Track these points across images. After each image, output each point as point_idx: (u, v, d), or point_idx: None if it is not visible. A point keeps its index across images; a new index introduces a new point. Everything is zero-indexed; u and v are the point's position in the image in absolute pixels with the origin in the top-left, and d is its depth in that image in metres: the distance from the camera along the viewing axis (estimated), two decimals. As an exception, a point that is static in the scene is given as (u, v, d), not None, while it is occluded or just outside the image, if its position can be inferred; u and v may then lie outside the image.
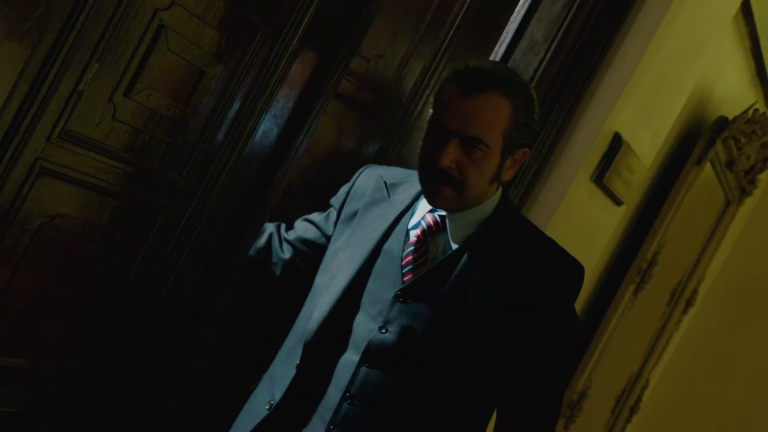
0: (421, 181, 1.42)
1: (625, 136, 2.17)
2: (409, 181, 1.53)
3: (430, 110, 1.43)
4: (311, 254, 1.62)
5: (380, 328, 1.41)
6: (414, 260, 1.44)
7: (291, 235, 1.67)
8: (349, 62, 1.62)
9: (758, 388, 4.12)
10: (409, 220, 1.48)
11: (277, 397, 1.44)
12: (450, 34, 2.03)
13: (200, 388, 1.82)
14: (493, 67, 1.44)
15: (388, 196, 1.53)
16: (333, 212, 1.61)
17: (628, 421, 3.86)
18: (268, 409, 1.45)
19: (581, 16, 2.11)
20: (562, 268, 1.43)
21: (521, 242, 1.44)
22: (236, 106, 1.42)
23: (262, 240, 1.66)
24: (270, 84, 1.45)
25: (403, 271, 1.43)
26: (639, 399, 3.83)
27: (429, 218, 1.45)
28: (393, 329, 1.40)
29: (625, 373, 3.49)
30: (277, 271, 1.66)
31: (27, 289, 1.25)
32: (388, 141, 2.07)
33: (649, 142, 2.43)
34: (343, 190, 1.61)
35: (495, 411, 1.46)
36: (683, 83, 2.58)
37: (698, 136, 2.86)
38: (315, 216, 1.65)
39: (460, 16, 2.04)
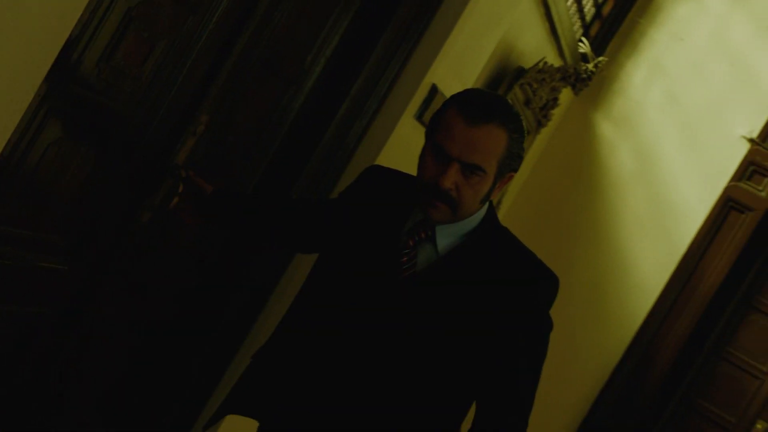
0: (420, 194, 1.56)
1: (440, 86, 2.91)
2: (407, 185, 1.65)
3: (427, 130, 1.59)
4: (304, 217, 1.85)
5: (371, 319, 1.57)
6: (406, 263, 1.57)
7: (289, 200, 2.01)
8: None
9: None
10: (405, 223, 1.61)
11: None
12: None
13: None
14: (493, 98, 1.56)
15: (389, 197, 1.66)
16: (338, 203, 1.77)
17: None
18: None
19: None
20: (541, 279, 1.57)
21: (503, 253, 1.59)
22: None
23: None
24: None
25: (398, 271, 1.57)
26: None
27: (420, 226, 1.59)
28: (383, 322, 1.56)
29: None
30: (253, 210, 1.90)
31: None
32: None
33: (459, 89, 3.19)
34: (350, 186, 1.77)
35: (472, 403, 1.62)
36: (489, 42, 3.32)
37: (501, 82, 3.66)
38: (321, 199, 1.91)
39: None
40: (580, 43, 4.46)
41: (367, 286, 1.59)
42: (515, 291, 1.54)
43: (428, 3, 2.83)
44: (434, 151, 1.52)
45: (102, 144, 1.95)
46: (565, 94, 4.47)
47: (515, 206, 4.92)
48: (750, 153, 4.66)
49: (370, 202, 1.68)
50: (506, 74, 3.64)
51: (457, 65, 3.07)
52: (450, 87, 3.04)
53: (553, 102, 4.12)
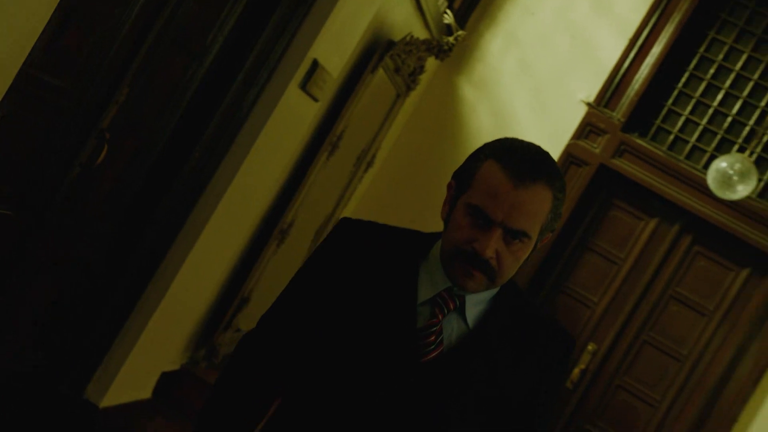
0: (450, 261, 1.36)
1: (320, 60, 3.43)
2: (402, 242, 1.47)
3: (457, 181, 1.40)
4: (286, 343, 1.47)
5: (388, 414, 1.36)
6: (434, 341, 1.37)
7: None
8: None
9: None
10: (416, 293, 1.40)
11: None
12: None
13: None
14: (538, 153, 1.37)
15: (383, 260, 1.43)
16: (316, 286, 1.46)
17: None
18: None
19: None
20: (563, 342, 1.48)
21: (526, 317, 1.46)
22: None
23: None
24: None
25: (419, 353, 1.37)
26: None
27: (446, 296, 1.40)
28: (404, 415, 1.36)
29: (323, 213, 4.92)
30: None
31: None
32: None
33: (337, 61, 3.72)
34: (326, 252, 1.48)
35: None
36: (363, 19, 3.85)
37: (374, 53, 4.21)
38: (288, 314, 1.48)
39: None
40: (445, 15, 5.04)
41: (384, 374, 1.37)
42: (546, 357, 1.45)
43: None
44: (473, 213, 1.33)
45: (45, 112, 2.38)
46: (431, 62, 5.07)
47: (387, 164, 5.51)
48: (587, 115, 5.41)
49: (362, 269, 1.43)
50: (378, 47, 4.18)
51: (336, 40, 3.59)
52: (330, 60, 3.56)
53: (420, 69, 4.71)
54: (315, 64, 3.37)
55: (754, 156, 4.74)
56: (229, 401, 1.46)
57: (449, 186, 1.44)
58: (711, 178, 4.32)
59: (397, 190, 5.65)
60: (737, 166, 4.15)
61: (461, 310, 1.40)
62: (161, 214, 3.16)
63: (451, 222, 1.38)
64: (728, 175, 4.15)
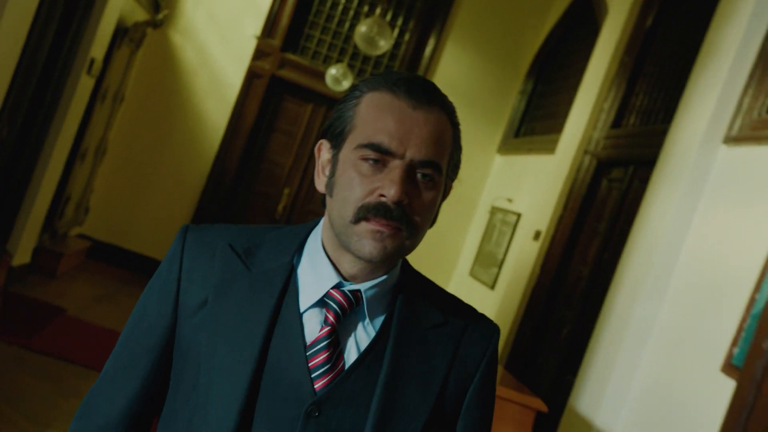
0: (351, 231, 1.04)
1: (95, 55, 6.10)
2: (266, 242, 1.14)
3: (333, 131, 1.10)
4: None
5: None
6: (329, 358, 1.06)
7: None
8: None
9: (178, 161, 8.57)
10: (297, 301, 1.09)
11: None
12: None
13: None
14: (425, 80, 1.09)
15: (247, 268, 1.10)
16: (159, 326, 1.12)
17: (97, 165, 7.98)
18: None
19: None
20: (488, 331, 1.19)
21: (438, 308, 1.16)
22: None
23: None
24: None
25: (313, 375, 1.05)
26: (105, 151, 7.97)
27: (338, 296, 1.08)
28: None
29: (98, 136, 7.58)
30: None
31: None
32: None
33: (101, 50, 6.37)
34: (169, 273, 1.13)
35: None
36: (112, 24, 6.49)
37: (117, 37, 6.87)
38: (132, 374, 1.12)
39: None
40: (152, -8, 7.69)
41: (271, 407, 1.05)
42: (473, 348, 1.16)
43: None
44: (363, 155, 1.03)
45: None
46: (150, 31, 7.78)
47: (132, 96, 8.19)
48: (258, 44, 8.42)
49: (223, 282, 1.09)
50: (119, 32, 6.85)
51: (102, 41, 6.23)
52: (98, 53, 6.24)
53: (143, 36, 7.42)
54: (93, 60, 6.06)
55: (346, 63, 8.09)
56: None
57: (318, 149, 1.12)
58: (329, 76, 7.54)
59: (138, 115, 8.36)
60: (340, 70, 7.40)
61: (360, 311, 1.09)
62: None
63: (338, 184, 1.06)
64: (336, 76, 7.40)
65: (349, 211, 1.05)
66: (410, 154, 1.03)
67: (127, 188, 8.16)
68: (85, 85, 6.06)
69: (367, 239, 1.04)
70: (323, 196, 1.13)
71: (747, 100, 4.04)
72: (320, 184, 1.14)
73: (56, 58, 5.80)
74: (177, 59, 8.27)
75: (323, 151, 1.14)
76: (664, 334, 4.03)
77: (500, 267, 7.03)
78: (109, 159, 8.09)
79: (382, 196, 1.03)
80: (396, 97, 1.05)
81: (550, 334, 5.76)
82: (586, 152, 5.98)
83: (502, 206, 7.55)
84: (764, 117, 3.90)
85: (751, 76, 4.07)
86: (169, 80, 8.25)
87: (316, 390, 1.06)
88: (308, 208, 8.70)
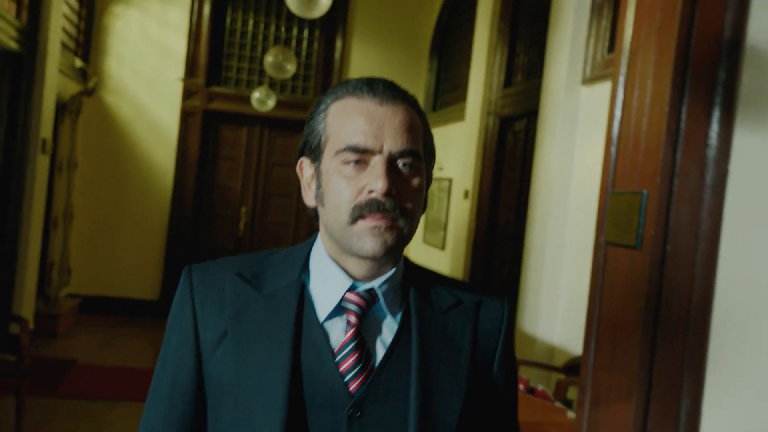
0: (350, 232, 1.09)
1: (44, 136, 6.82)
2: (270, 266, 1.18)
3: (310, 147, 1.15)
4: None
5: None
6: (359, 359, 1.10)
7: None
8: None
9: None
10: (315, 312, 1.13)
11: None
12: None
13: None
14: (386, 79, 1.15)
15: (259, 291, 1.15)
16: (186, 366, 1.15)
17: (68, 229, 8.70)
18: None
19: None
20: (500, 303, 1.24)
21: (448, 291, 1.22)
22: None
23: None
24: None
25: (346, 378, 1.10)
26: (71, 215, 8.68)
27: (354, 298, 1.13)
28: None
29: (63, 203, 8.28)
30: None
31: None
32: None
33: (49, 127, 7.09)
34: (182, 316, 1.16)
35: None
36: (53, 99, 7.19)
37: (59, 113, 7.57)
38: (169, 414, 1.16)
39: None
40: (77, 61, 8.37)
41: (313, 419, 1.09)
42: (488, 321, 1.21)
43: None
44: (344, 159, 1.09)
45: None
46: (85, 99, 8.48)
47: (84, 161, 8.88)
48: (184, 85, 9.15)
49: (239, 312, 1.13)
50: (59, 109, 7.55)
51: (47, 120, 6.94)
52: (47, 131, 6.96)
53: (80, 105, 8.12)
54: (44, 140, 6.77)
55: (266, 85, 8.89)
56: None
57: (300, 168, 1.19)
58: (254, 99, 8.33)
59: (93, 176, 9.05)
60: (263, 92, 8.20)
61: (378, 309, 1.15)
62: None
63: (327, 193, 1.11)
64: (260, 98, 8.19)
65: (345, 214, 1.09)
66: (387, 147, 1.08)
67: (99, 243, 8.87)
68: (42, 162, 6.79)
69: (367, 237, 1.08)
70: (314, 210, 1.19)
71: (591, 46, 4.93)
72: (309, 199, 1.18)
73: (12, 146, 6.52)
74: (115, 117, 8.96)
75: (305, 168, 1.19)
76: (573, 247, 4.92)
77: (445, 229, 7.91)
78: (78, 221, 8.77)
79: (371, 192, 1.07)
80: (360, 99, 1.11)
81: (494, 275, 6.65)
82: (488, 113, 6.85)
83: (436, 175, 8.41)
84: (606, 57, 4.79)
85: (590, 26, 4.96)
86: (112, 138, 8.94)
87: (353, 392, 1.10)
88: (267, 220, 9.50)
